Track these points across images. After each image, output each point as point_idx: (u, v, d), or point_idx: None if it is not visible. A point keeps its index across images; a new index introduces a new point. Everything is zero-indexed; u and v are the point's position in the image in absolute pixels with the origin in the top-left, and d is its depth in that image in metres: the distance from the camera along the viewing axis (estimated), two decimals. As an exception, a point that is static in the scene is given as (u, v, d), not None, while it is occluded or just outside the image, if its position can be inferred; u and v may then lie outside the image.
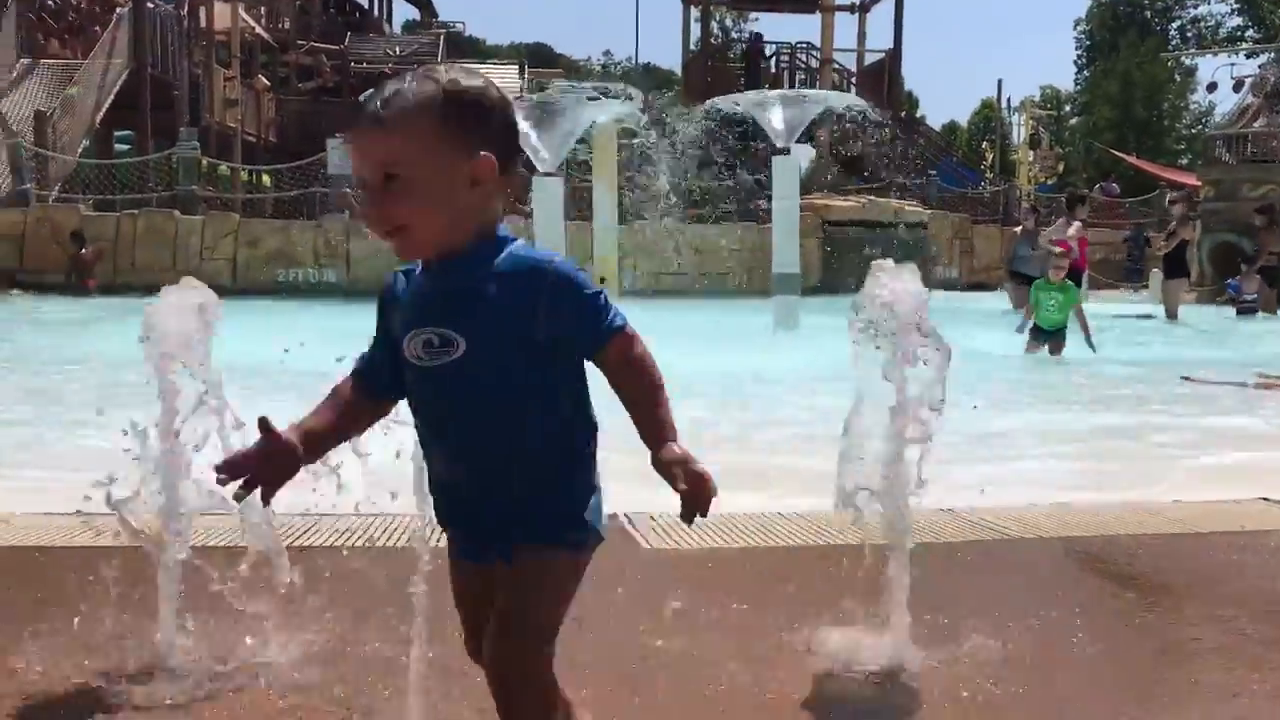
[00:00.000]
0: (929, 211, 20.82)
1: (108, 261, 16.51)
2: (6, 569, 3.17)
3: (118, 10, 23.10)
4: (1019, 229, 16.42)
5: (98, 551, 3.33)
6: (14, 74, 21.02)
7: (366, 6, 35.31)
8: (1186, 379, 8.30)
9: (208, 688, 2.30)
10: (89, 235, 16.56)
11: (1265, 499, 4.24)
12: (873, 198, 20.34)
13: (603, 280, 12.63)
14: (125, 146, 24.45)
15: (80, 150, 19.72)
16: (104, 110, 21.02)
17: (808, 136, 14.17)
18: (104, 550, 3.29)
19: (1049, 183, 32.70)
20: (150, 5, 23.13)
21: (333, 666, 2.43)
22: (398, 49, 30.94)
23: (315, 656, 2.48)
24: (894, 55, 28.44)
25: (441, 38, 32.79)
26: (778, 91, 14.71)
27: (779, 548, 3.50)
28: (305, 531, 3.58)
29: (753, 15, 39.08)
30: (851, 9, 29.37)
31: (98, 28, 22.39)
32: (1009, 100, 44.50)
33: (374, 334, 1.78)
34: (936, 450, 2.51)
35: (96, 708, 2.21)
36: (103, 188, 18.98)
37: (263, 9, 29.86)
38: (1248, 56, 31.76)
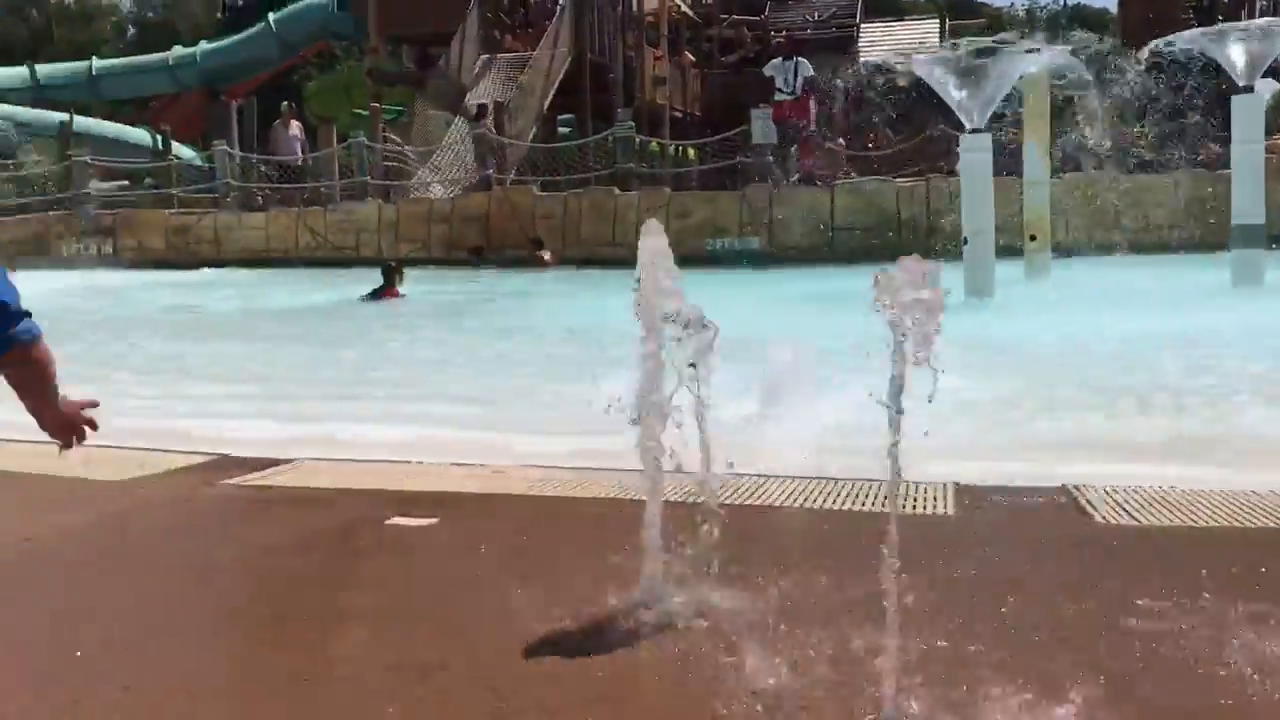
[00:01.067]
0: None
1: (555, 236, 18.05)
2: (515, 516, 3.64)
3: (560, 2, 24.99)
4: None
5: (590, 503, 3.74)
6: (475, 70, 23.38)
7: (785, -27, 35.63)
8: None
9: (681, 625, 2.54)
10: (538, 214, 18.21)
11: None
12: (1354, 134, 17.80)
13: (1033, 239, 12.06)
14: (566, 129, 26.47)
15: (530, 136, 21.61)
16: (550, 97, 22.88)
17: (1272, 71, 12.66)
18: (598, 501, 3.69)
19: None
20: (589, -5, 24.81)
21: (789, 614, 2.60)
22: (816, 13, 31.04)
23: (768, 603, 2.66)
24: (1383, -33, 24.63)
25: (859, -2, 32.47)
26: (1237, 24, 13.23)
27: (1256, 529, 3.25)
28: (755, 491, 3.80)
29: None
30: (1327, -81, 25.70)
31: (546, 21, 24.34)
32: None
33: None
34: None
35: (595, 634, 2.51)
36: (549, 169, 20.69)
37: (688, -13, 31.04)
38: None
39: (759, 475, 3.86)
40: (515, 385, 6.86)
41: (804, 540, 3.19)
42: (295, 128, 22.14)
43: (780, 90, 18.78)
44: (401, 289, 12.86)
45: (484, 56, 23.72)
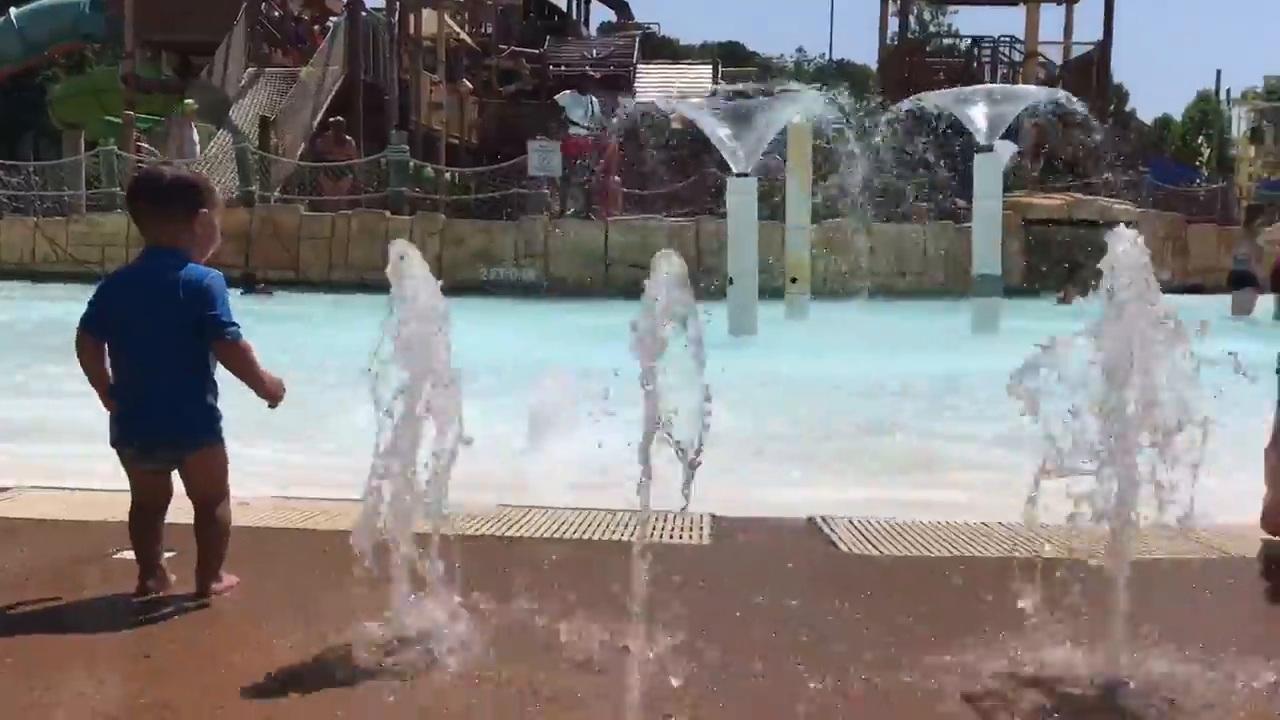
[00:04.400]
0: (1139, 210, 19.84)
1: (322, 256, 17.51)
2: (246, 551, 3.45)
3: (332, 19, 24.40)
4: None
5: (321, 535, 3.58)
6: (242, 82, 22.47)
7: (565, 10, 36.07)
8: None
9: (411, 660, 2.46)
10: (304, 235, 17.64)
11: None
12: (1079, 196, 19.54)
13: (794, 281, 12.58)
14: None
15: (299, 153, 20.91)
16: (320, 115, 22.22)
17: (1010, 133, 13.72)
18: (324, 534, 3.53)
19: (1274, 179, 30.67)
20: (363, 14, 24.31)
21: (518, 648, 2.56)
22: (594, 51, 31.49)
23: (499, 637, 2.61)
24: (1103, 47, 27.23)
25: (636, 39, 33.20)
26: (981, 87, 14.31)
27: (983, 559, 3.45)
28: (517, 522, 3.75)
29: (952, 9, 37.99)
30: (1059, 0, 28.24)
31: (318, 40, 23.67)
32: (1228, 92, 41.97)
33: None
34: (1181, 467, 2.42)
35: (324, 671, 2.39)
36: (318, 188, 20.06)
37: (466, 15, 30.93)
38: None
39: (521, 506, 3.81)
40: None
41: (560, 570, 3.16)
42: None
43: (576, 124, 18.90)
44: None
45: (251, 69, 22.85)
